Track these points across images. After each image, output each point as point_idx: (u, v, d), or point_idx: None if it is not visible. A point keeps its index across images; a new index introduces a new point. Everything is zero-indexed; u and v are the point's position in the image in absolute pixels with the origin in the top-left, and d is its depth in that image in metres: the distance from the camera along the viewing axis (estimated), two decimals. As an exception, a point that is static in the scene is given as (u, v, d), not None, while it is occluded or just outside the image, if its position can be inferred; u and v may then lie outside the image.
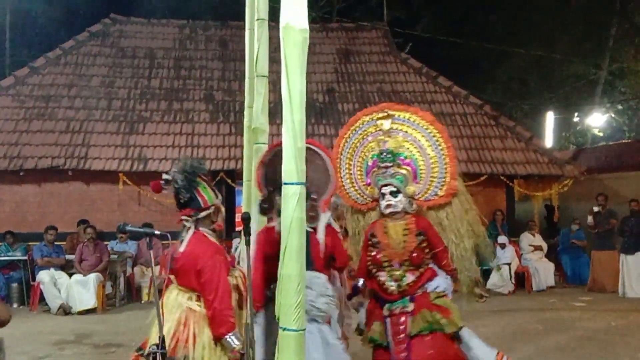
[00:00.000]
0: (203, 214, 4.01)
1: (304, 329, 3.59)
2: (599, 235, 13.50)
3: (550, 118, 24.39)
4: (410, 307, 4.62)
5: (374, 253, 4.73)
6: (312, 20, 16.38)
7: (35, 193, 13.53)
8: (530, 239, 14.26)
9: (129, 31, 16.97)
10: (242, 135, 7.95)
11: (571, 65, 25.02)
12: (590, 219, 13.48)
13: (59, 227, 12.26)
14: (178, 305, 3.85)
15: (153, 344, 3.74)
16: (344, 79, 16.23)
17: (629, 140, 21.97)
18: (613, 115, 26.64)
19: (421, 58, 17.24)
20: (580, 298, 12.50)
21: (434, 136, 4.94)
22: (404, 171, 4.81)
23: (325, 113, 15.06)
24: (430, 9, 26.37)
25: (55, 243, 11.99)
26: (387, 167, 4.83)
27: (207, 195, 4.07)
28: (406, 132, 4.95)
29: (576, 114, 27.01)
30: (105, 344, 8.52)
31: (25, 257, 12.12)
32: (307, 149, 5.19)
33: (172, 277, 3.91)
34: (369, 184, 5.02)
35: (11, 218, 13.26)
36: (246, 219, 4.69)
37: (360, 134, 5.14)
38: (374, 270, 4.78)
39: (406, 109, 5.07)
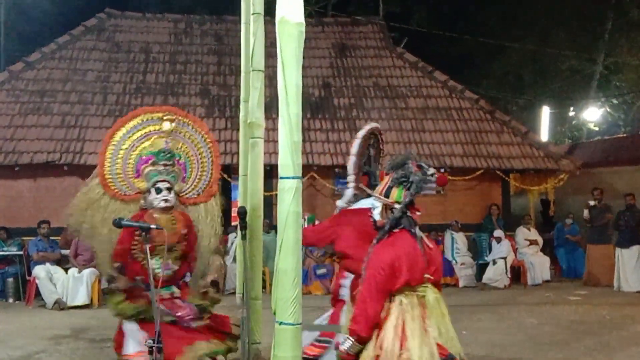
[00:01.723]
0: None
1: (300, 323, 3.60)
2: (594, 230, 13.53)
3: (545, 112, 24.41)
4: (178, 293, 5.04)
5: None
6: (307, 14, 16.36)
7: (30, 188, 13.50)
8: (525, 233, 14.27)
9: (124, 26, 16.91)
10: (237, 129, 7.95)
11: (566, 60, 25.03)
12: (586, 213, 13.51)
13: (54, 222, 12.22)
14: (442, 300, 3.78)
15: (150, 339, 3.74)
16: (340, 74, 16.22)
17: (625, 135, 21.98)
18: (608, 110, 26.66)
19: (417, 53, 17.24)
20: (576, 292, 12.53)
21: (208, 144, 5.41)
22: (177, 170, 5.23)
23: (321, 108, 15.05)
24: (425, 4, 26.36)
25: (51, 238, 11.98)
26: (165, 165, 5.18)
27: None
28: (185, 136, 5.36)
29: (572, 109, 27.05)
30: (101, 339, 8.50)
31: (21, 252, 12.10)
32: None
33: (427, 276, 3.71)
34: (137, 177, 5.29)
35: (6, 213, 13.22)
36: (242, 213, 4.70)
37: (140, 129, 5.36)
38: (139, 257, 4.99)
39: (187, 115, 5.52)
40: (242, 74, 6.43)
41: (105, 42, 16.21)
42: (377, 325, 3.65)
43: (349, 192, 5.47)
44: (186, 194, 5.39)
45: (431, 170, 3.87)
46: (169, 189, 5.05)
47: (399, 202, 3.78)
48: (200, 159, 5.38)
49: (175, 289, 5.05)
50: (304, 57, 3.66)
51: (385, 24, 18.30)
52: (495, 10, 25.09)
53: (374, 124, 5.71)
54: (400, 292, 3.64)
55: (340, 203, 5.48)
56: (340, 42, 17.23)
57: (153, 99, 14.87)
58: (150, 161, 5.21)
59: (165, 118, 5.28)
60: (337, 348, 3.95)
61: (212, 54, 16.56)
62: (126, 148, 5.27)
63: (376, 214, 3.92)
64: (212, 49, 16.72)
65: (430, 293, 3.67)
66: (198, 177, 5.39)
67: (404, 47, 18.00)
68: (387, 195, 3.84)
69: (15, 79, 14.69)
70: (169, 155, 5.18)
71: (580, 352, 7.67)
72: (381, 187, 3.92)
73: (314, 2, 24.77)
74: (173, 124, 5.26)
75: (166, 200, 4.99)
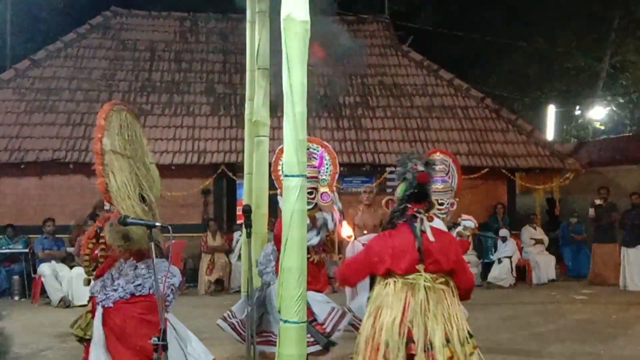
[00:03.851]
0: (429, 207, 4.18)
1: (305, 321, 3.60)
2: (600, 228, 13.48)
3: (551, 111, 24.36)
4: None
5: None
6: (312, 13, 16.32)
7: (36, 186, 13.53)
8: (531, 232, 14.24)
9: (130, 24, 16.93)
10: (243, 128, 7.94)
11: (572, 58, 24.95)
12: (591, 212, 13.47)
13: (60, 220, 12.25)
14: (442, 291, 3.93)
15: (155, 336, 3.74)
16: (345, 72, 16.19)
17: (630, 134, 21.91)
18: (614, 109, 26.56)
19: (422, 51, 17.20)
20: (581, 291, 12.50)
21: None
22: None
23: (326, 106, 15.03)
24: (431, 2, 26.29)
25: (57, 236, 12.01)
26: None
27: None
28: None
29: (577, 107, 26.95)
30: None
31: (27, 250, 12.14)
32: None
33: (419, 267, 3.89)
34: None
35: (12, 211, 13.25)
36: (247, 211, 4.70)
37: None
38: None
39: None
40: (248, 72, 6.45)
41: (111, 40, 16.24)
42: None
43: None
44: None
45: (420, 167, 4.03)
46: None
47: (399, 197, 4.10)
48: None
49: None
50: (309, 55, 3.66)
51: (390, 22, 18.28)
52: (501, 8, 24.99)
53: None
54: (390, 277, 3.93)
55: None
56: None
57: (158, 97, 14.89)
58: None
59: None
60: None
61: (218, 52, 16.57)
62: None
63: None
64: (217, 47, 16.73)
65: (422, 281, 3.85)
66: None
67: (410, 45, 17.95)
68: (396, 192, 4.16)
69: (21, 77, 14.71)
70: None
71: (586, 351, 7.66)
72: None
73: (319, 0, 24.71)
74: None
75: None
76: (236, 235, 12.93)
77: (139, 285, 4.36)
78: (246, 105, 6.52)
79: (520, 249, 13.94)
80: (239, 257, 11.55)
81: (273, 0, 5.49)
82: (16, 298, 11.94)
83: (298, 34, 3.55)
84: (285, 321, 3.55)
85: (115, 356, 4.32)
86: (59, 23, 21.76)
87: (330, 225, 5.59)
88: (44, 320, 9.74)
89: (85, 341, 4.65)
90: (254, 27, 6.17)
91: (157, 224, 3.91)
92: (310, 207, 5.46)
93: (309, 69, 3.67)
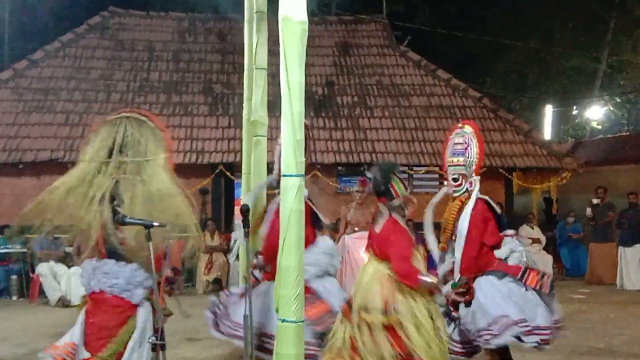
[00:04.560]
0: (394, 202, 4.83)
1: (302, 321, 3.61)
2: (597, 228, 13.51)
3: (549, 111, 24.41)
4: None
5: None
6: (310, 13, 16.36)
7: (34, 186, 13.49)
8: (528, 231, 14.24)
9: (128, 24, 16.93)
10: (241, 128, 7.95)
11: (570, 58, 25.00)
12: (589, 211, 13.50)
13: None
14: (377, 271, 4.74)
15: (152, 335, 3.76)
16: (343, 72, 16.22)
17: (628, 133, 21.96)
18: (612, 108, 26.62)
19: (420, 51, 17.21)
20: (579, 290, 12.51)
21: None
22: None
23: (324, 106, 15.06)
24: (429, 2, 26.34)
25: (55, 236, 11.98)
26: None
27: (399, 188, 4.87)
28: None
29: (575, 107, 27.00)
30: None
31: (25, 250, 12.13)
32: None
33: (370, 250, 4.89)
34: None
35: (10, 211, 13.20)
36: (245, 210, 4.70)
37: None
38: None
39: None
40: (246, 72, 6.45)
41: (109, 41, 16.24)
42: None
43: None
44: None
45: (367, 175, 4.96)
46: None
47: None
48: None
49: None
50: (307, 55, 3.67)
51: (388, 22, 18.28)
52: (499, 8, 25.05)
53: None
54: None
55: None
56: (343, 40, 17.23)
57: (156, 97, 14.90)
58: None
59: None
60: None
61: (216, 52, 16.58)
62: None
63: None
64: (215, 47, 16.74)
65: (373, 262, 4.83)
66: None
67: (408, 45, 17.97)
68: None
69: (19, 77, 14.72)
70: None
71: (583, 350, 7.67)
72: None
73: (317, 0, 24.72)
74: None
75: None
76: (234, 235, 12.94)
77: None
78: (244, 105, 6.53)
79: (518, 249, 13.93)
80: (237, 256, 11.55)
81: (271, 0, 5.50)
82: (14, 298, 11.94)
83: (296, 34, 3.56)
84: (284, 320, 3.57)
85: None
86: (57, 23, 21.82)
87: None
88: (42, 320, 9.74)
89: None
90: (251, 27, 6.18)
91: (155, 223, 3.93)
92: None
93: (306, 69, 3.69)
